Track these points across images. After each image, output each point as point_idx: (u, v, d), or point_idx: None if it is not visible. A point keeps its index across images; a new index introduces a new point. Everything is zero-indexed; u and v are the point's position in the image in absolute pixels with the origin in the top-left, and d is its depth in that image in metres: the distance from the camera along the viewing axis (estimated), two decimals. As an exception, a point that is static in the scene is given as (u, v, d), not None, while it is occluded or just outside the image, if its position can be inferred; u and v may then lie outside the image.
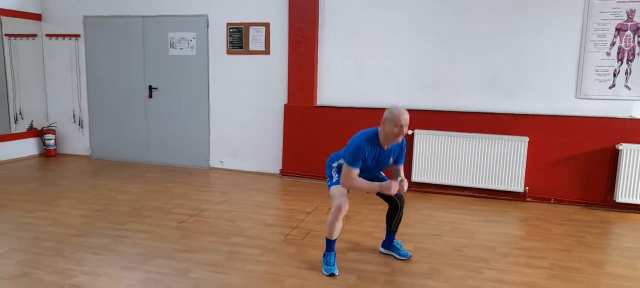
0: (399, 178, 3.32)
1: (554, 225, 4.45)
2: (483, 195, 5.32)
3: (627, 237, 4.28)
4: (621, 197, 4.82)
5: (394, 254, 3.59)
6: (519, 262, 3.57)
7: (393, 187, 3.19)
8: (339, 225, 3.25)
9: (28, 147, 7.03)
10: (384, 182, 3.24)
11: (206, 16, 6.22)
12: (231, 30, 6.11)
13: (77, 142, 7.17)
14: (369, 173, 3.30)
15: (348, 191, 3.30)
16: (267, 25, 5.95)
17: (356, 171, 3.18)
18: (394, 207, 3.50)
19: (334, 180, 3.33)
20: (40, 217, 4.33)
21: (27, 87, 7.02)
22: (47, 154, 7.09)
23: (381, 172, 3.47)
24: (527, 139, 5.07)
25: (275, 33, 5.93)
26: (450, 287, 3.13)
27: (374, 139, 3.20)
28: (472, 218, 4.60)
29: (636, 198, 4.80)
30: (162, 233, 3.98)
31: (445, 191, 5.42)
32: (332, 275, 3.24)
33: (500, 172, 5.18)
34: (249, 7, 6.00)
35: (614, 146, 4.87)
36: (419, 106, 5.47)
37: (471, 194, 5.35)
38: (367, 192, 3.33)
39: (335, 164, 3.40)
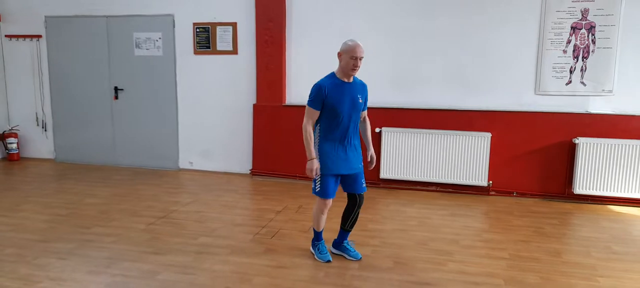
0: (369, 155, 3.49)
1: (515, 217, 4.62)
2: (449, 190, 5.46)
3: (583, 227, 4.48)
4: (579, 188, 5.04)
5: (344, 255, 3.56)
6: (481, 254, 3.69)
7: (314, 171, 3.21)
8: (324, 217, 3.39)
9: (-11, 152, 6.83)
10: (311, 161, 3.23)
11: (172, 16, 6.16)
12: (198, 30, 6.08)
13: (40, 146, 6.99)
14: (348, 116, 3.27)
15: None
16: (234, 25, 5.94)
17: (316, 112, 3.24)
18: (352, 204, 3.45)
19: (317, 189, 3.34)
20: (1, 222, 4.23)
21: (-14, 90, 6.81)
22: (10, 158, 6.88)
23: (356, 127, 3.42)
24: (489, 134, 5.23)
25: (242, 33, 5.93)
26: (415, 280, 3.23)
27: (331, 76, 3.28)
28: (438, 213, 4.72)
29: (593, 189, 5.01)
30: (130, 236, 3.95)
31: (412, 187, 5.54)
32: (328, 261, 3.38)
33: (465, 167, 5.33)
34: (216, 6, 5.97)
35: (571, 140, 5.08)
36: (386, 104, 5.57)
37: (437, 189, 5.49)
38: (306, 143, 3.28)
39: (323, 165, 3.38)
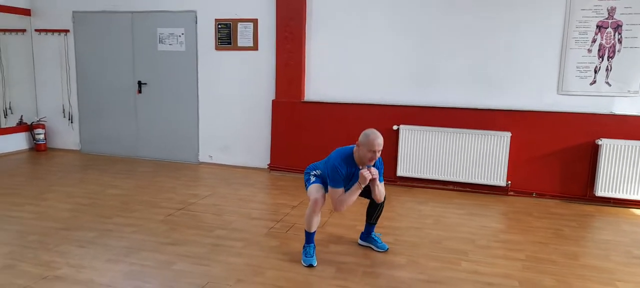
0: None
1: (534, 218, 4.55)
2: (467, 189, 5.41)
3: (604, 230, 4.38)
4: (600, 191, 4.92)
5: (371, 246, 3.68)
6: (496, 254, 3.65)
7: (366, 175, 3.23)
8: (316, 218, 3.35)
9: (18, 142, 7.07)
10: (360, 176, 3.27)
11: (195, 12, 6.26)
12: (219, 26, 6.16)
13: (67, 137, 7.21)
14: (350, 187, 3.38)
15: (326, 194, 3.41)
16: (255, 21, 6.00)
17: (340, 190, 3.31)
18: (375, 201, 3.55)
19: (312, 181, 3.42)
20: (27, 210, 4.38)
21: (16, 82, 7.04)
22: (37, 149, 7.12)
23: None
24: (509, 134, 5.15)
25: (263, 29, 5.99)
26: (426, 278, 3.22)
27: (349, 159, 3.31)
28: (454, 212, 4.69)
29: (615, 192, 4.89)
30: (149, 226, 4.05)
31: (429, 185, 5.51)
32: (310, 266, 3.32)
33: (483, 167, 5.26)
34: (237, 3, 6.04)
35: (594, 141, 4.96)
36: (405, 102, 5.54)
37: (455, 188, 5.44)
38: (355, 198, 3.35)
39: (312, 172, 3.52)
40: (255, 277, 3.16)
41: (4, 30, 6.82)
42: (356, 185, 3.28)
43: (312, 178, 3.47)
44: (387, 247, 3.66)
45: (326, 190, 3.41)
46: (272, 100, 6.01)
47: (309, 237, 3.40)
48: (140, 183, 5.48)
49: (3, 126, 6.91)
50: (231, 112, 6.32)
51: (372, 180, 3.32)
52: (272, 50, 5.96)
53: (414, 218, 4.48)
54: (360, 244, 3.75)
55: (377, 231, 3.80)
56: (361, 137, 3.25)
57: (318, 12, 5.78)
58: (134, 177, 5.74)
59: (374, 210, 3.61)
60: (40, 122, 7.15)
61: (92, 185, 5.31)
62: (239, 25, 6.07)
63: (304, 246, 3.44)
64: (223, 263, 3.36)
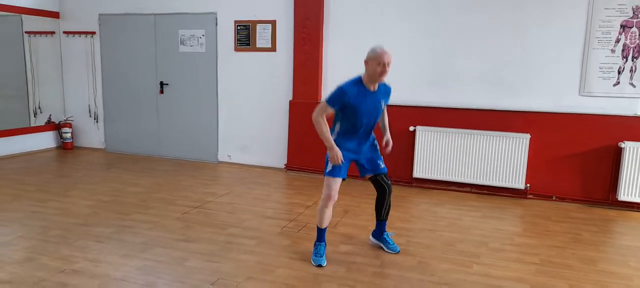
0: (384, 139, 3.50)
1: (553, 223, 4.45)
2: (484, 191, 5.33)
3: (625, 235, 4.26)
4: (623, 195, 4.78)
5: (382, 246, 3.67)
6: (510, 258, 3.60)
7: (338, 159, 3.20)
8: (328, 213, 3.36)
9: (46, 140, 7.33)
10: (332, 149, 3.21)
11: (215, 14, 6.37)
12: (239, 27, 6.25)
13: (92, 136, 7.43)
14: (367, 120, 3.29)
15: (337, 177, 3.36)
16: (273, 23, 6.06)
17: (330, 110, 3.23)
18: (382, 194, 3.52)
19: (328, 168, 3.37)
20: (51, 206, 4.55)
21: (45, 83, 7.30)
22: (64, 147, 7.37)
23: (373, 126, 3.41)
24: (528, 136, 5.06)
25: (281, 30, 6.05)
26: (436, 280, 3.20)
27: (358, 82, 3.24)
28: (469, 214, 4.63)
29: (638, 196, 4.74)
30: (165, 223, 4.14)
31: (446, 187, 5.46)
32: (319, 266, 3.34)
33: (501, 169, 5.18)
34: (256, 5, 6.12)
35: (617, 144, 4.83)
36: (422, 103, 5.51)
37: (472, 191, 5.37)
38: (322, 138, 3.26)
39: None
40: (265, 275, 3.21)
41: (35, 32, 7.08)
42: (330, 144, 3.21)
43: (330, 165, 3.33)
44: (398, 249, 3.64)
45: (346, 167, 3.35)
46: (289, 101, 6.06)
47: (321, 234, 3.42)
48: (159, 181, 5.61)
49: (33, 125, 7.18)
50: (249, 113, 6.40)
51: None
52: (290, 51, 6.01)
53: (428, 220, 4.45)
54: (371, 242, 3.76)
55: (389, 232, 3.78)
56: (369, 53, 3.17)
57: (335, 14, 5.80)
58: (154, 176, 5.88)
59: (382, 205, 3.55)
60: (68, 121, 7.40)
61: (113, 183, 5.47)
62: (258, 26, 6.15)
63: (315, 244, 3.47)
64: (234, 260, 3.41)
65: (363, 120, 3.28)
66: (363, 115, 3.26)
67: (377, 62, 3.14)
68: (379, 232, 3.70)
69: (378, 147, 3.53)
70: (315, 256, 3.39)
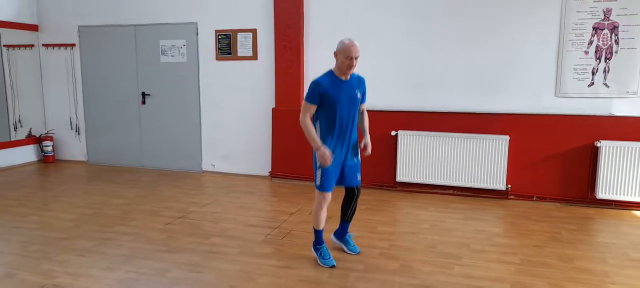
0: (363, 143, 3.55)
1: (532, 222, 4.53)
2: (467, 193, 5.40)
3: (603, 233, 4.35)
4: (601, 193, 4.89)
5: (343, 247, 3.71)
6: (490, 258, 3.65)
7: (327, 159, 3.22)
8: (323, 214, 3.42)
9: (27, 154, 7.23)
10: (319, 149, 3.23)
11: (196, 24, 6.37)
12: (220, 36, 6.26)
13: (74, 148, 7.36)
14: (346, 112, 3.33)
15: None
16: (254, 31, 6.09)
17: (313, 107, 3.29)
18: (350, 196, 3.57)
19: (318, 182, 3.40)
20: (31, 221, 4.49)
21: (25, 96, 7.22)
22: (46, 160, 7.28)
23: (354, 119, 3.46)
24: (507, 137, 5.14)
25: (262, 38, 6.07)
26: (418, 283, 3.23)
27: (329, 74, 3.34)
28: (451, 216, 4.69)
29: (616, 194, 4.85)
30: (147, 235, 4.12)
31: (429, 190, 5.51)
32: (332, 266, 3.40)
33: (482, 171, 5.26)
34: (237, 14, 6.14)
35: (594, 143, 4.93)
36: (402, 107, 5.57)
37: (455, 193, 5.44)
38: (309, 138, 3.30)
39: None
40: (247, 283, 3.21)
41: (13, 46, 7.01)
42: (318, 143, 3.24)
43: (319, 174, 3.37)
44: (358, 249, 3.68)
45: (336, 177, 3.40)
46: (272, 108, 6.08)
47: (319, 236, 3.47)
48: (142, 192, 5.57)
49: (13, 139, 7.08)
50: (232, 121, 6.41)
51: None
52: (271, 59, 6.04)
53: (411, 223, 4.50)
54: (333, 241, 3.76)
55: (371, 236, 3.82)
56: (338, 46, 3.25)
57: (315, 20, 5.85)
58: (137, 187, 5.84)
59: (349, 206, 3.58)
60: (48, 135, 7.32)
61: (96, 196, 5.42)
62: (239, 35, 6.16)
63: (315, 247, 3.51)
64: (216, 270, 3.41)
65: (342, 113, 3.32)
66: (341, 107, 3.30)
67: (345, 55, 3.21)
68: (341, 233, 3.73)
69: (359, 153, 3.56)
70: (323, 258, 3.45)
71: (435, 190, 5.50)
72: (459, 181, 5.35)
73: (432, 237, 4.11)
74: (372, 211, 4.83)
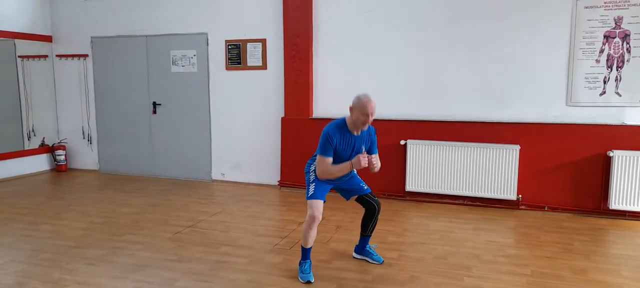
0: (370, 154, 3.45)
1: (544, 233, 4.47)
2: (477, 203, 5.35)
3: (617, 244, 4.28)
4: (614, 203, 4.81)
5: (367, 259, 3.71)
6: (501, 270, 3.61)
7: (362, 161, 3.22)
8: (313, 233, 3.38)
9: (40, 163, 7.33)
10: (353, 159, 3.28)
11: (206, 34, 6.44)
12: (230, 47, 6.31)
13: (86, 157, 7.44)
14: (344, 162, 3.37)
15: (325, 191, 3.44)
16: (263, 41, 6.13)
17: (329, 159, 3.30)
18: (371, 212, 3.58)
19: (312, 190, 3.43)
20: (42, 229, 4.54)
21: (39, 105, 7.32)
22: (58, 169, 7.36)
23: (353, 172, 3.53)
24: (518, 147, 5.10)
25: (271, 48, 6.11)
26: (427, 294, 3.20)
27: (342, 126, 3.33)
28: (462, 227, 4.64)
29: (630, 205, 4.77)
30: (157, 244, 4.14)
31: (438, 200, 5.47)
32: (308, 282, 3.34)
33: (492, 181, 5.21)
34: (246, 24, 6.19)
35: (606, 153, 4.87)
36: (412, 116, 5.56)
37: (465, 203, 5.39)
38: (342, 175, 3.35)
39: (312, 168, 3.51)
40: (256, 293, 3.21)
41: (28, 57, 7.13)
42: (348, 163, 3.28)
43: (312, 188, 3.43)
44: (382, 259, 3.69)
45: (326, 192, 3.43)
46: (281, 118, 6.10)
47: (305, 253, 3.44)
48: (152, 201, 5.61)
49: (26, 148, 7.18)
50: (242, 130, 6.44)
51: (369, 164, 3.27)
52: (281, 69, 6.07)
53: (421, 234, 4.46)
54: (355, 257, 3.78)
55: (380, 246, 3.81)
56: (354, 101, 3.24)
57: (324, 30, 5.88)
58: (147, 196, 5.88)
59: (369, 222, 3.61)
60: (61, 144, 7.41)
61: (107, 204, 5.47)
62: (248, 45, 6.21)
63: (299, 263, 3.48)
64: (225, 279, 3.41)
65: (344, 161, 3.37)
66: (346, 159, 3.37)
67: (361, 112, 3.22)
68: (362, 247, 3.73)
69: (356, 175, 3.60)
70: (302, 273, 3.41)
71: (445, 200, 5.45)
72: (469, 191, 5.31)
73: (442, 247, 4.08)
74: (382, 221, 4.77)
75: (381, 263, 3.66)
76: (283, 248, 4.04)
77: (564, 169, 5.05)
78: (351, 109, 3.27)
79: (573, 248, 4.08)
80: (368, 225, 3.63)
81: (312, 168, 3.51)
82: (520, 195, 5.18)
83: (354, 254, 3.80)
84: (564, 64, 5.05)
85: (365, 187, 3.58)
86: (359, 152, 3.37)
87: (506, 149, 5.13)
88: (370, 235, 3.69)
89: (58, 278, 3.40)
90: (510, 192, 5.16)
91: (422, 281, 3.41)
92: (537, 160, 5.12)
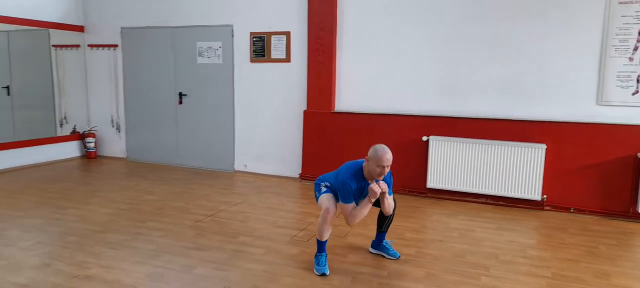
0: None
1: (568, 235, 4.36)
2: (500, 202, 5.25)
3: (644, 249, 4.13)
4: (644, 207, 4.64)
5: (383, 254, 3.71)
6: (520, 271, 3.54)
7: (375, 189, 3.23)
8: (327, 227, 3.40)
9: (71, 149, 7.57)
10: (369, 191, 3.28)
11: (231, 26, 6.50)
12: (254, 39, 6.36)
13: (115, 145, 7.65)
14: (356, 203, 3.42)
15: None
16: (287, 34, 6.15)
17: (351, 205, 3.35)
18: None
19: (322, 191, 3.47)
20: (70, 213, 4.70)
21: (71, 94, 7.56)
22: (88, 156, 7.60)
23: None
24: (544, 146, 4.97)
25: (295, 41, 6.12)
26: (442, 292, 3.17)
27: (359, 173, 3.35)
28: (483, 226, 4.57)
29: (660, 209, 4.60)
30: (177, 231, 4.23)
31: (461, 198, 5.40)
32: (323, 274, 3.36)
33: (517, 180, 5.10)
34: (271, 16, 6.22)
35: (637, 155, 4.70)
36: (435, 112, 5.49)
37: (488, 202, 5.30)
38: (367, 212, 3.36)
39: (323, 183, 3.56)
40: (270, 284, 3.24)
41: (61, 46, 7.36)
42: (366, 199, 3.31)
43: (323, 189, 3.52)
44: (398, 254, 3.68)
45: (337, 199, 3.45)
46: (304, 111, 6.12)
47: (321, 246, 3.45)
48: (176, 190, 5.73)
49: (59, 135, 7.44)
50: (265, 122, 6.49)
51: (382, 193, 3.30)
52: (304, 62, 6.08)
53: (439, 231, 4.42)
54: (372, 252, 3.79)
55: (398, 242, 3.79)
56: (370, 152, 3.28)
57: (348, 24, 5.85)
58: (171, 184, 6.00)
59: (385, 219, 3.63)
60: (91, 131, 7.64)
61: (132, 191, 5.61)
62: (273, 37, 6.24)
63: (315, 255, 3.50)
64: (241, 268, 3.46)
65: (358, 201, 3.42)
66: (360, 199, 3.41)
67: (376, 163, 3.23)
68: (377, 243, 3.75)
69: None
70: (318, 265, 3.43)
71: (467, 198, 5.37)
72: (492, 189, 5.21)
73: (461, 246, 4.03)
74: (401, 217, 4.77)
75: (397, 259, 3.66)
76: (300, 240, 4.06)
77: (592, 170, 4.90)
78: (367, 159, 3.29)
79: (598, 251, 3.97)
80: (384, 221, 3.65)
81: (323, 184, 3.56)
82: (545, 196, 5.06)
83: (371, 249, 3.81)
84: (595, 61, 4.88)
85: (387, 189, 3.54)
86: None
87: (532, 148, 5.01)
88: (386, 231, 3.70)
89: (82, 261, 3.52)
90: (535, 192, 5.04)
91: (438, 278, 3.37)
92: (564, 160, 4.98)
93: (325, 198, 3.42)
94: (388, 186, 3.44)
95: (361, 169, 3.36)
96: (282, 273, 3.42)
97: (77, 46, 7.55)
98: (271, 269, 3.47)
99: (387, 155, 3.22)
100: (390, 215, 3.59)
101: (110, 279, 3.25)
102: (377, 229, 3.70)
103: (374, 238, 3.81)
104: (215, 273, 3.38)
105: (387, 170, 3.25)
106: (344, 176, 3.34)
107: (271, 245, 3.93)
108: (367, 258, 3.70)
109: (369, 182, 3.34)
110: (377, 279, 3.35)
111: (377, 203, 3.51)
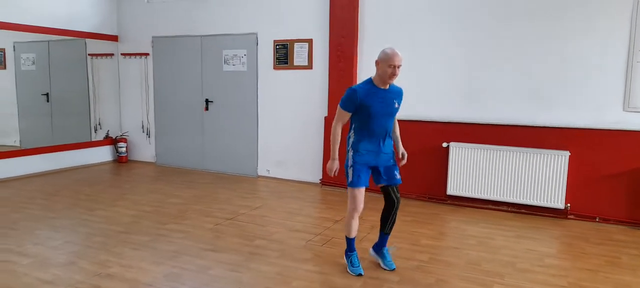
0: (400, 152, 3.60)
1: (590, 245, 4.24)
2: (522, 210, 5.15)
3: (672, 261, 3.97)
4: (674, 217, 4.46)
5: (379, 261, 3.65)
6: (536, 279, 3.48)
7: (334, 171, 3.41)
8: (355, 223, 3.45)
9: (104, 154, 7.91)
10: (332, 162, 3.44)
11: (256, 34, 6.66)
12: (278, 46, 6.49)
13: (145, 150, 7.93)
14: (379, 121, 3.36)
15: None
16: (310, 42, 6.25)
17: (346, 114, 3.35)
18: (389, 207, 3.51)
19: (350, 179, 3.43)
20: (98, 215, 4.92)
21: (105, 100, 7.90)
22: (120, 160, 7.91)
23: (389, 128, 3.47)
24: (568, 153, 4.86)
25: (317, 48, 6.21)
26: (451, 299, 3.16)
27: (368, 82, 3.36)
28: (503, 234, 4.50)
29: (692, 219, 4.41)
30: (197, 234, 4.37)
31: (481, 205, 5.32)
32: (359, 275, 3.41)
33: (539, 188, 5.00)
34: (294, 24, 6.34)
35: (666, 162, 4.53)
36: (456, 118, 5.44)
37: (509, 209, 5.21)
38: (332, 146, 3.45)
39: (350, 141, 3.51)
40: (281, 286, 3.31)
41: (96, 55, 7.71)
42: (332, 156, 3.45)
43: (351, 171, 3.41)
44: (394, 266, 3.58)
45: (367, 176, 3.42)
46: (325, 117, 6.18)
47: (350, 243, 3.50)
48: (199, 193, 5.89)
49: (93, 139, 7.78)
50: (287, 128, 6.60)
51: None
52: (325, 69, 6.16)
53: (456, 238, 4.39)
54: (370, 254, 3.74)
55: (412, 248, 3.77)
56: (380, 55, 3.27)
57: (369, 31, 5.89)
58: (195, 188, 6.18)
59: (388, 216, 3.53)
60: (123, 137, 7.95)
61: (157, 194, 5.82)
62: (296, 45, 6.35)
63: (346, 254, 3.55)
64: (255, 271, 3.55)
65: (377, 123, 3.34)
66: (376, 117, 3.32)
67: (387, 64, 3.22)
68: (379, 246, 3.66)
69: (394, 160, 3.55)
70: (352, 266, 3.48)
71: (487, 206, 5.30)
72: (513, 197, 5.13)
73: (477, 253, 3.98)
74: (418, 223, 4.77)
75: (392, 270, 3.55)
76: (315, 245, 4.12)
77: (619, 179, 4.75)
78: (377, 63, 3.29)
79: (619, 261, 3.85)
80: (386, 220, 3.55)
81: (351, 141, 3.47)
82: (568, 204, 4.93)
83: (370, 251, 3.75)
84: (622, 65, 4.74)
85: (398, 176, 3.50)
86: (391, 107, 3.37)
87: (555, 155, 4.90)
88: (389, 233, 3.61)
89: (104, 260, 3.70)
90: (557, 201, 4.93)
91: (448, 285, 3.36)
92: (588, 167, 4.85)
93: (355, 194, 3.37)
94: (399, 102, 3.45)
95: (370, 79, 3.37)
96: (292, 276, 3.48)
97: (111, 55, 7.89)
98: (282, 272, 3.54)
99: (398, 55, 3.21)
100: (394, 212, 3.51)
101: (129, 278, 3.40)
102: (381, 229, 3.62)
103: (377, 241, 3.72)
104: (229, 275, 3.48)
105: (399, 71, 3.23)
106: (353, 86, 3.37)
107: (285, 249, 4.01)
108: (378, 263, 3.70)
109: (381, 86, 3.32)
110: (387, 284, 3.37)
111: (387, 196, 3.50)
